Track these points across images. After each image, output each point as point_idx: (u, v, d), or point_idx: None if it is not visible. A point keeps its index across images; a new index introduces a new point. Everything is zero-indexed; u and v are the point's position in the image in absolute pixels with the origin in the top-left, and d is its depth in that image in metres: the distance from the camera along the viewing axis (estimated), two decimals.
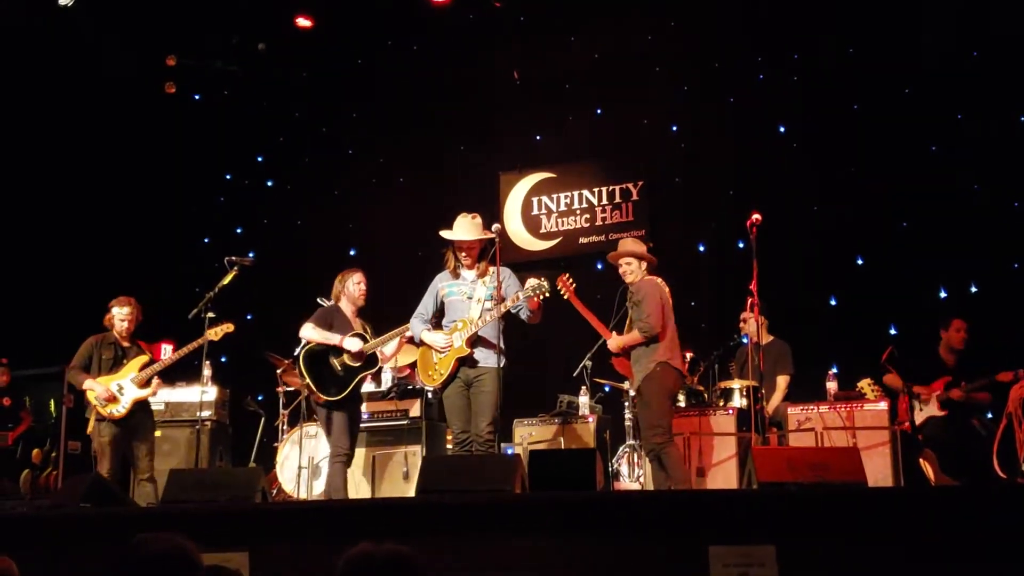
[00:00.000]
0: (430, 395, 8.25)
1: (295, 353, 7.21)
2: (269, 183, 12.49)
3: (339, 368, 7.11)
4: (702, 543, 4.32)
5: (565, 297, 7.10)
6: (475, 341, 6.78)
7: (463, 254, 6.97)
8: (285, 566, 4.80)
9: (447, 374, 6.78)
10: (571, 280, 7.14)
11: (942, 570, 4.16)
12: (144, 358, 7.72)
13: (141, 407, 7.65)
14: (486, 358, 6.76)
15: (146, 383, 7.59)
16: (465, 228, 6.99)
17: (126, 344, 7.80)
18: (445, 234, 7.04)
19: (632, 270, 7.03)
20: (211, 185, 12.26)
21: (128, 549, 2.89)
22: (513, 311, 6.81)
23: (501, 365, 6.73)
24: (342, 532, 4.68)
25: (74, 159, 10.96)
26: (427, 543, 2.79)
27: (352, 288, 7.35)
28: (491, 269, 6.93)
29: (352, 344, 7.12)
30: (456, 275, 7.02)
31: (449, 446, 8.24)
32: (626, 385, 8.61)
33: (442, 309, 7.04)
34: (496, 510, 4.76)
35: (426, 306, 7.09)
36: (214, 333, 7.60)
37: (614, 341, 7.02)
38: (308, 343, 7.15)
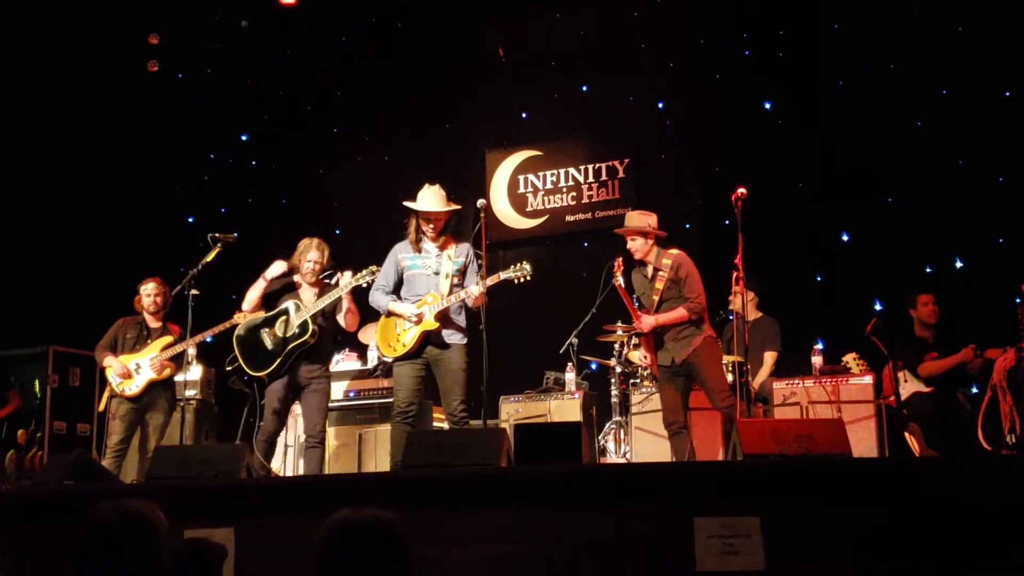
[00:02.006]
0: None
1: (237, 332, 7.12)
2: (253, 162, 12.41)
3: (269, 340, 6.98)
4: (687, 514, 4.32)
5: (616, 282, 6.91)
6: (441, 318, 6.73)
7: (430, 226, 6.82)
8: (270, 542, 4.79)
9: (411, 346, 6.69)
10: (622, 264, 6.95)
11: (927, 540, 4.17)
12: (168, 339, 7.77)
13: (159, 386, 7.72)
14: (451, 335, 6.74)
15: (163, 365, 7.63)
16: (432, 198, 6.86)
17: (154, 324, 7.88)
18: (410, 205, 6.90)
19: (638, 247, 6.85)
20: (195, 164, 12.18)
21: (86, 518, 2.87)
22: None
23: (465, 342, 6.73)
24: (327, 507, 4.67)
25: (56, 139, 10.87)
26: (412, 517, 2.78)
27: (302, 257, 7.18)
28: (453, 244, 6.88)
29: (275, 269, 7.12)
30: (417, 248, 6.90)
31: (438, 424, 8.27)
32: (612, 362, 8.63)
33: (400, 281, 6.93)
34: (481, 484, 4.75)
35: (387, 277, 6.94)
36: (243, 317, 7.58)
37: (650, 320, 6.74)
38: (242, 322, 7.12)
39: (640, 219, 6.91)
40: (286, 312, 7.02)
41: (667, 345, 6.75)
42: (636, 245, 6.87)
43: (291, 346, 6.92)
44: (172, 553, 2.97)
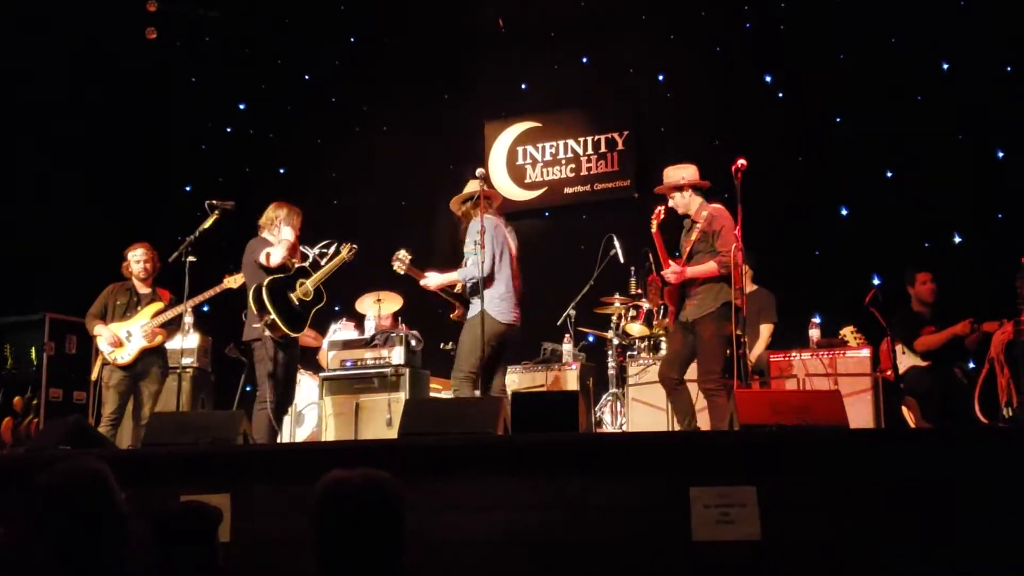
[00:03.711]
0: (413, 343, 8.25)
1: (255, 287, 6.93)
2: (251, 131, 12.35)
3: (296, 303, 6.99)
4: (683, 484, 4.33)
5: (653, 230, 6.70)
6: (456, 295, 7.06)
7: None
8: (266, 508, 4.80)
9: None
10: (662, 212, 6.73)
11: (922, 512, 4.18)
12: (158, 305, 7.74)
13: (152, 353, 7.68)
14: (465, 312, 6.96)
15: (155, 332, 7.60)
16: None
17: (144, 291, 7.83)
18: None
19: (678, 202, 6.68)
20: (193, 133, 12.13)
21: (38, 481, 2.89)
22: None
23: (472, 315, 6.84)
24: (324, 474, 4.68)
25: (53, 106, 10.80)
26: (409, 485, 2.78)
27: (291, 226, 7.19)
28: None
29: (287, 234, 7.09)
30: None
31: (435, 394, 8.31)
32: (609, 334, 8.62)
33: None
34: (478, 452, 4.76)
35: None
36: (234, 280, 7.63)
37: (677, 272, 6.53)
38: (266, 280, 6.96)
39: (674, 173, 6.74)
40: (303, 275, 7.10)
41: (687, 300, 6.58)
42: (676, 201, 6.70)
43: (312, 310, 7.09)
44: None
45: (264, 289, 6.86)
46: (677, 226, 6.89)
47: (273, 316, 6.82)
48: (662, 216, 6.72)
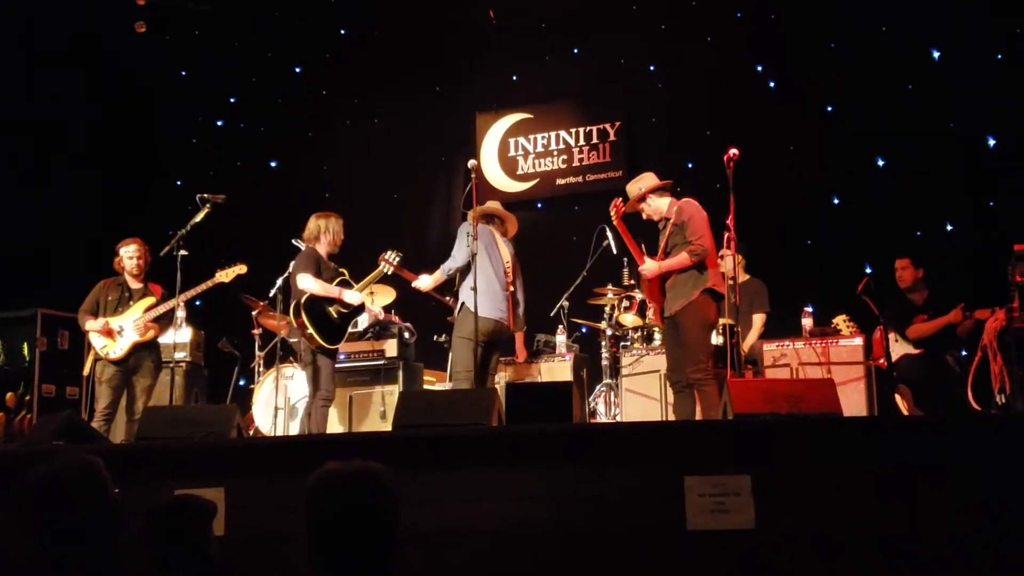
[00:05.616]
0: (406, 335, 8.25)
1: (296, 301, 7.08)
2: (242, 125, 12.30)
3: (336, 316, 7.15)
4: (677, 473, 4.33)
5: (614, 221, 6.74)
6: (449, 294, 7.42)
7: None
8: (261, 502, 4.79)
9: None
10: (621, 202, 6.73)
11: (916, 499, 4.19)
12: (150, 300, 7.70)
13: (144, 348, 7.65)
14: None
15: (146, 327, 7.58)
16: None
17: (136, 286, 7.80)
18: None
19: (647, 211, 6.73)
20: (183, 127, 12.07)
21: (30, 476, 2.89)
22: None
23: (457, 312, 7.12)
24: (318, 466, 4.66)
25: (42, 101, 10.76)
26: (404, 477, 2.77)
27: (336, 232, 7.34)
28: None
29: (353, 297, 7.21)
30: None
31: (429, 386, 8.32)
32: (603, 325, 8.62)
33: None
34: (473, 443, 4.76)
35: None
36: (225, 275, 7.63)
37: (652, 265, 6.54)
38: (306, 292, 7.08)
39: (632, 187, 6.82)
40: (344, 286, 7.24)
41: (667, 295, 6.57)
42: (646, 211, 6.75)
43: (351, 320, 7.34)
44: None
45: (303, 305, 7.03)
46: (653, 228, 6.92)
47: (311, 331, 6.98)
48: (621, 207, 6.72)
